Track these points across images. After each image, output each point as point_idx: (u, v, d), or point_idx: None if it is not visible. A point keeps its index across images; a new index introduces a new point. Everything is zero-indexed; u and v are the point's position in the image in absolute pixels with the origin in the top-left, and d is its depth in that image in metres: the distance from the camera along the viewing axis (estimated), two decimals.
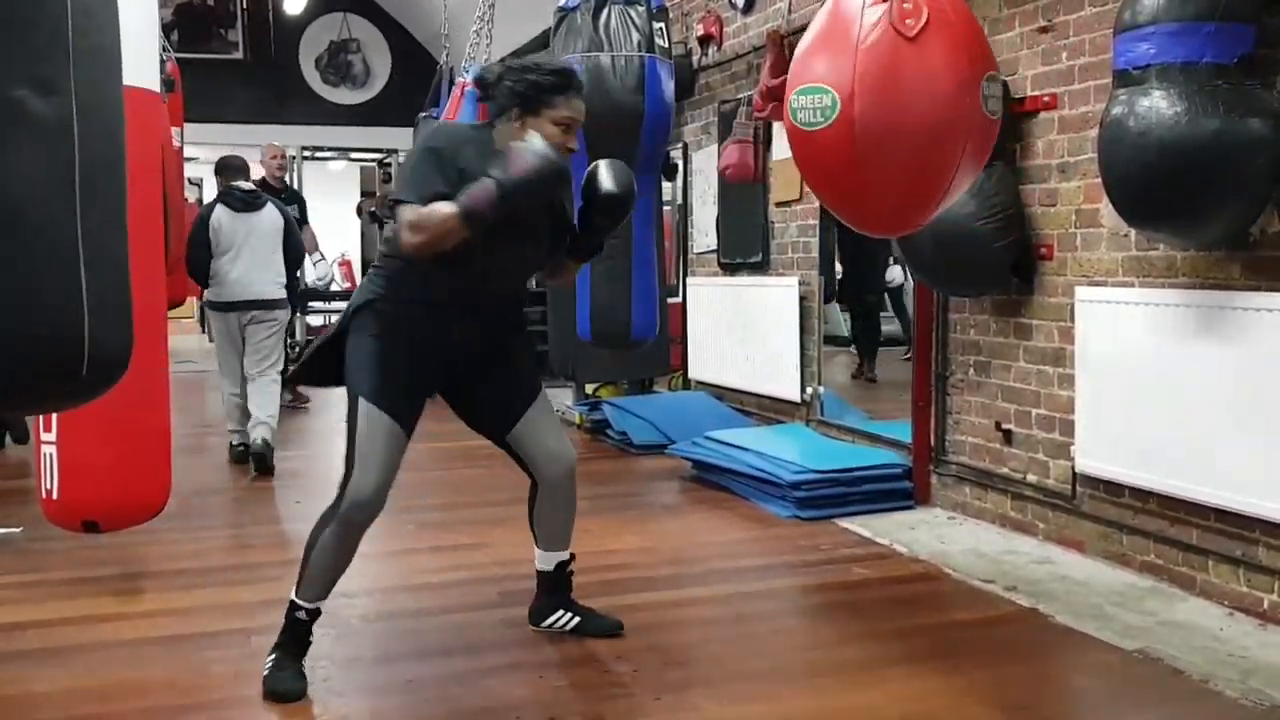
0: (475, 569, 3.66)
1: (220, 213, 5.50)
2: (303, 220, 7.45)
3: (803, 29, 5.39)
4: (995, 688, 2.68)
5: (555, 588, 3.00)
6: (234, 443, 5.64)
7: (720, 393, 6.24)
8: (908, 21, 2.65)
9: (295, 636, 2.68)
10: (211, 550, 3.96)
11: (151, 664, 2.86)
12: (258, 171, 6.98)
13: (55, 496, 3.44)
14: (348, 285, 13.01)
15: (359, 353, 2.66)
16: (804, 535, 4.10)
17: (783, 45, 5.42)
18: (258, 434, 5.33)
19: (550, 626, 3.00)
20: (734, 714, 2.54)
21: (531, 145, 2.47)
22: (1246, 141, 2.86)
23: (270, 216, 5.57)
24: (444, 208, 2.46)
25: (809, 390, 5.43)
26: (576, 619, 2.99)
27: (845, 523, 4.22)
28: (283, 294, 5.55)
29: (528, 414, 2.83)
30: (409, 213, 2.50)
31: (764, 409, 5.87)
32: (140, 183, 3.42)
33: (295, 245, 5.73)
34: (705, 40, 6.38)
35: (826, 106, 2.74)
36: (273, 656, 2.67)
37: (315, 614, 2.69)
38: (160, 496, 3.66)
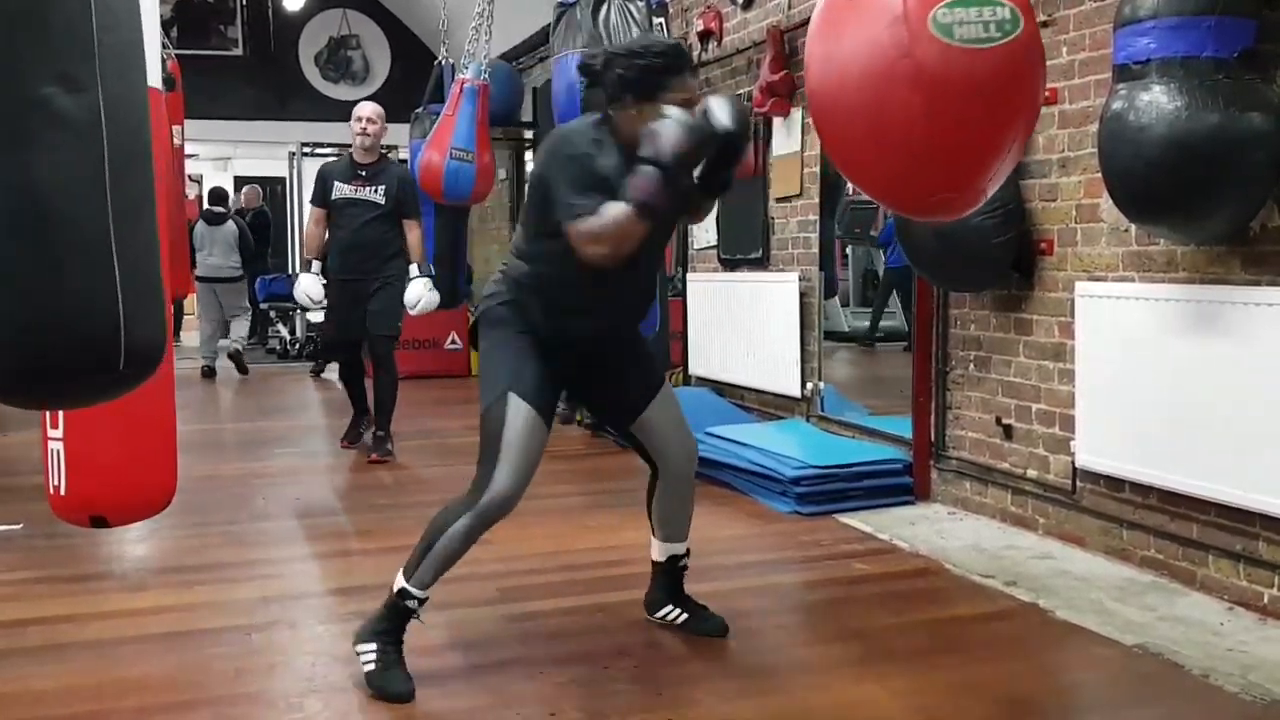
0: (476, 565, 3.63)
1: (200, 225, 9.66)
2: (405, 212, 5.58)
3: (803, 24, 5.41)
4: (995, 683, 2.68)
5: (667, 581, 3.03)
6: (204, 365, 9.50)
7: (721, 388, 6.24)
8: None
9: (398, 625, 2.66)
10: (211, 547, 3.96)
11: (152, 661, 2.86)
12: None
13: (63, 492, 3.46)
14: None
15: (502, 348, 2.69)
16: (804, 531, 4.10)
17: (783, 40, 5.43)
18: (232, 346, 9.65)
19: (663, 618, 3.03)
20: (734, 709, 2.54)
21: (670, 118, 2.44)
22: (1247, 136, 2.86)
23: (229, 229, 9.70)
24: (615, 210, 2.44)
25: (809, 386, 5.43)
26: (685, 615, 3.01)
27: (845, 518, 4.23)
28: (240, 272, 9.75)
29: (653, 404, 2.83)
30: (581, 226, 2.47)
31: (764, 405, 5.87)
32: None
33: (247, 245, 9.82)
34: (705, 35, 6.38)
35: (1005, 19, 2.40)
36: (373, 649, 2.63)
37: (424, 603, 2.67)
38: (167, 490, 3.68)
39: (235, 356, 9.63)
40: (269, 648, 2.95)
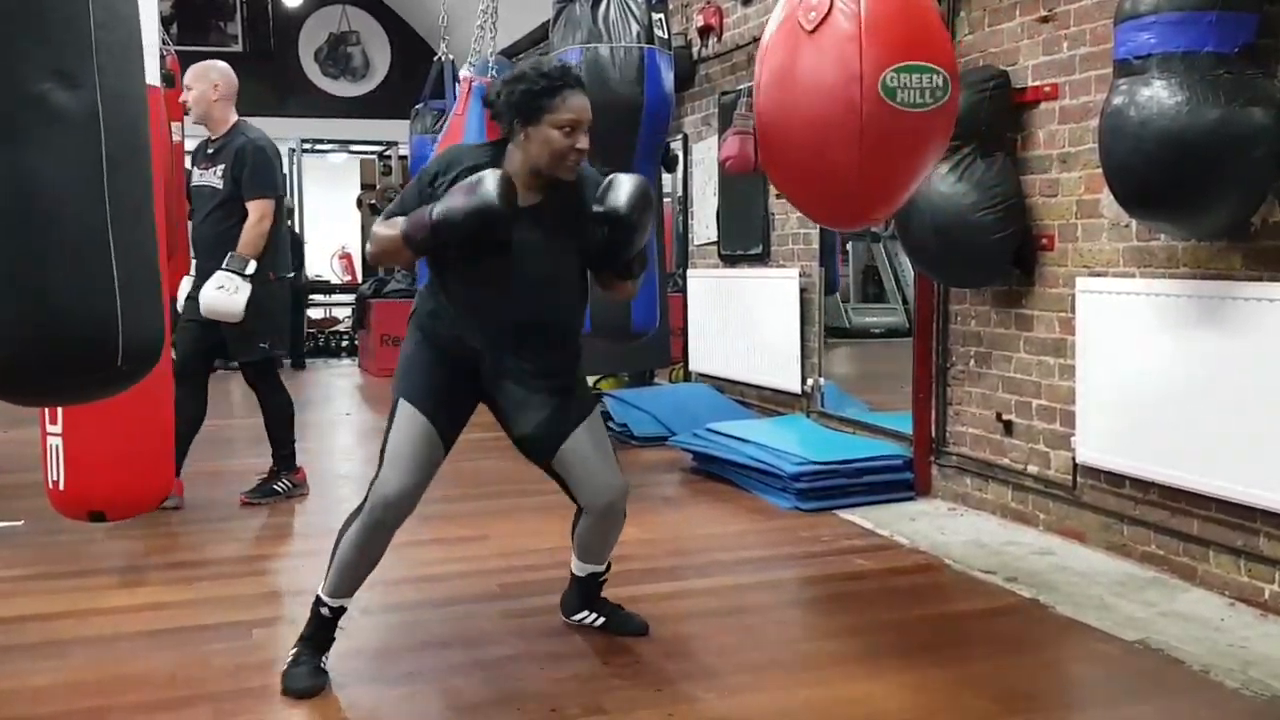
0: (476, 561, 3.66)
1: None
2: (245, 192, 4.37)
3: None
4: (995, 678, 2.68)
5: (583, 590, 3.02)
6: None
7: (721, 385, 6.24)
8: (810, 15, 2.58)
9: (318, 632, 2.68)
10: (211, 543, 3.96)
11: (152, 657, 2.86)
12: None
13: (61, 487, 3.45)
14: (348, 279, 13.01)
15: (403, 356, 2.73)
16: (805, 527, 4.10)
17: None
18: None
19: (579, 622, 3.02)
20: (734, 705, 2.54)
21: (479, 181, 2.43)
22: (1248, 131, 2.85)
23: None
24: (394, 226, 2.57)
25: (809, 382, 5.43)
26: (603, 619, 3.00)
27: (846, 514, 4.23)
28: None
29: (569, 443, 2.69)
30: (375, 224, 2.65)
31: (765, 401, 5.87)
32: None
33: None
34: (705, 31, 6.37)
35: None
36: (293, 651, 2.67)
37: (340, 611, 2.68)
38: (164, 486, 3.67)
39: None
40: (269, 644, 2.95)
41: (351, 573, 2.66)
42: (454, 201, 2.43)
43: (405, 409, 2.63)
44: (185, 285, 4.54)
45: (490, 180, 2.42)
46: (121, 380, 1.56)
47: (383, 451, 2.63)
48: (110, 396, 1.61)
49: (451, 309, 2.66)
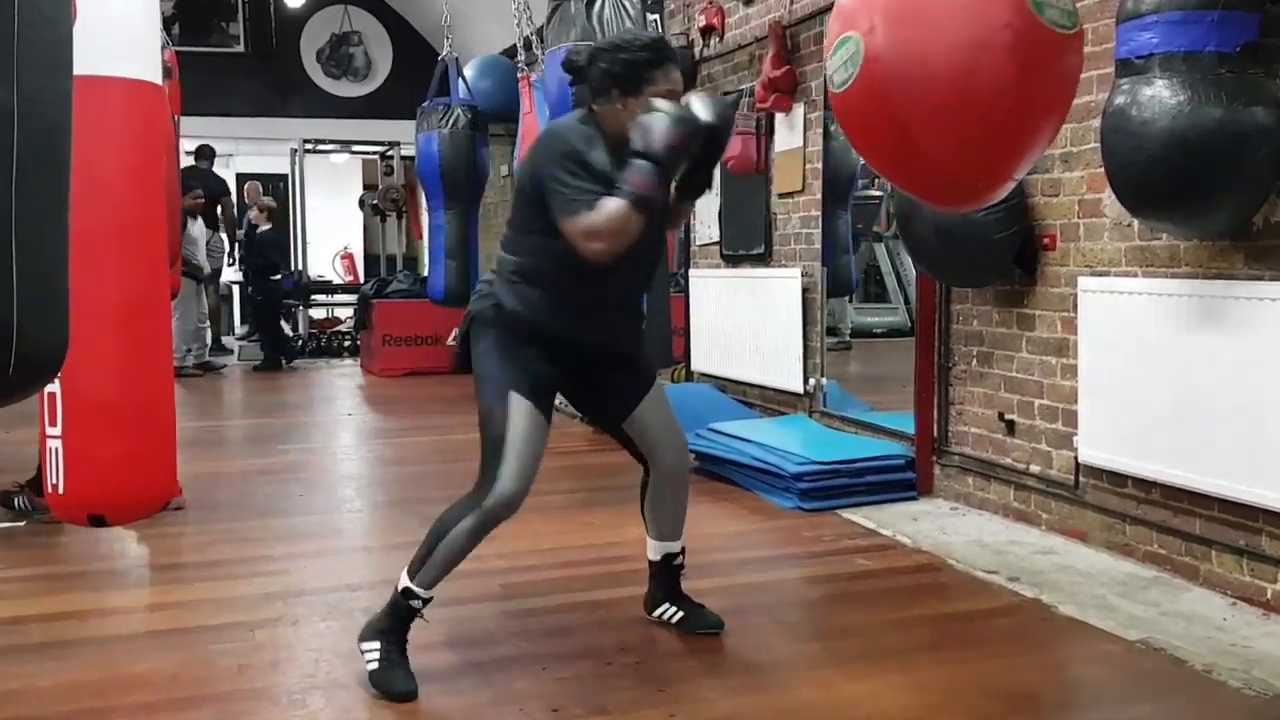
0: (478, 561, 3.62)
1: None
2: None
3: (805, 19, 5.40)
4: (998, 678, 2.68)
5: (663, 580, 3.02)
6: (203, 362, 9.48)
7: (723, 385, 6.24)
8: None
9: (401, 624, 2.66)
10: (213, 543, 3.97)
11: (154, 658, 2.86)
12: None
13: (61, 491, 3.44)
14: (349, 279, 13.01)
15: (499, 349, 2.66)
16: (807, 526, 4.10)
17: (784, 36, 5.42)
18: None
19: (660, 617, 3.03)
20: (737, 705, 2.54)
21: (660, 111, 2.46)
22: (1250, 130, 2.85)
23: (201, 224, 9.43)
24: (611, 205, 2.44)
25: (811, 382, 5.43)
26: (681, 614, 3.00)
27: (848, 514, 4.22)
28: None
29: (644, 402, 2.82)
30: (580, 223, 2.47)
31: (767, 401, 5.87)
32: (146, 178, 3.42)
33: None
34: (707, 31, 6.37)
35: (851, 56, 2.44)
36: (376, 647, 2.64)
37: (428, 602, 2.68)
38: (166, 490, 3.66)
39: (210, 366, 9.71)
40: (272, 644, 2.95)
41: (450, 566, 2.66)
42: (663, 133, 2.42)
43: (518, 402, 2.60)
44: None
45: (667, 105, 2.47)
46: (11, 391, 1.48)
47: (494, 446, 2.60)
48: (1, 405, 1.54)
49: (562, 292, 2.63)
